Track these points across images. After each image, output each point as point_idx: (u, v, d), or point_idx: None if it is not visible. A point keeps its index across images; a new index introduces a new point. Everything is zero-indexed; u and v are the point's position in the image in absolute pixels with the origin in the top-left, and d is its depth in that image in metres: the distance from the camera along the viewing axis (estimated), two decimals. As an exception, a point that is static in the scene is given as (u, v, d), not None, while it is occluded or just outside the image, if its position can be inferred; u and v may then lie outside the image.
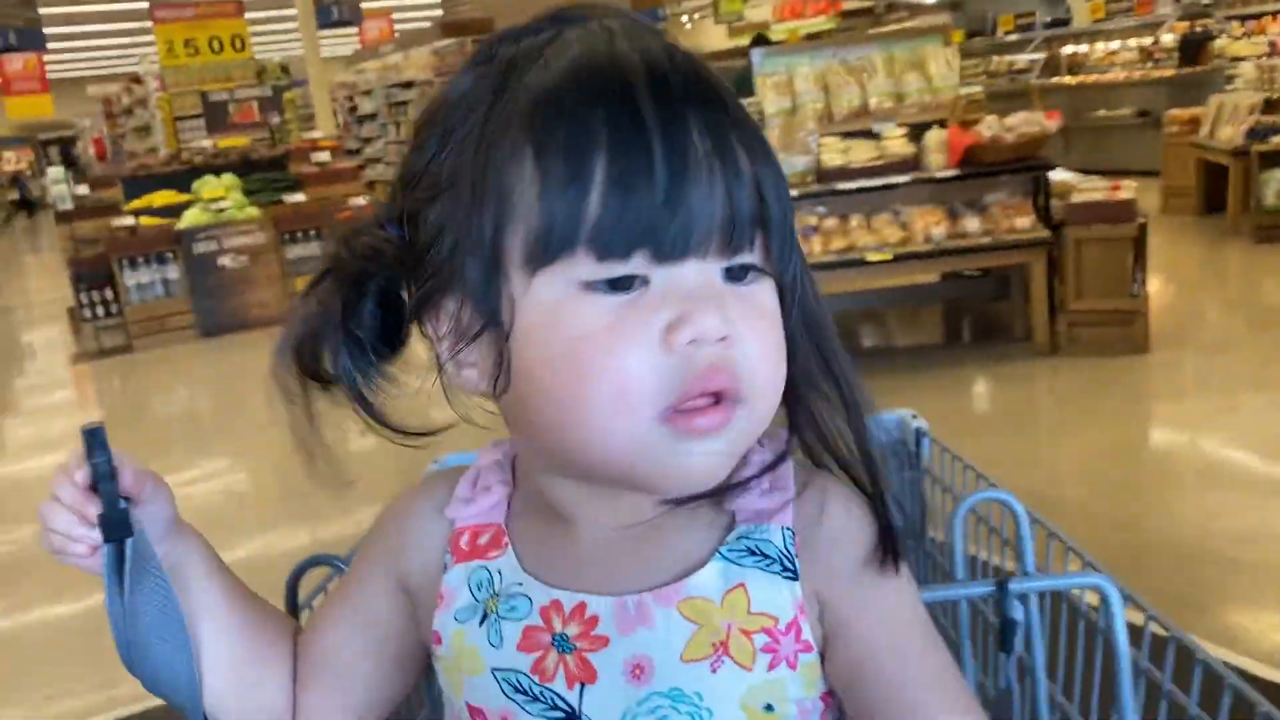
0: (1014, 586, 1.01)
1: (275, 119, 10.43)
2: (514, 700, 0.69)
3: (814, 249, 5.06)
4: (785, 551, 0.69)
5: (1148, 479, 3.80)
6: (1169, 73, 10.42)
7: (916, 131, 5.35)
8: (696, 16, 22.85)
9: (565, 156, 0.60)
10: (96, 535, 0.69)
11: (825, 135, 5.35)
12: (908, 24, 8.71)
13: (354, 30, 21.90)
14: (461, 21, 14.93)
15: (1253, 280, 6.70)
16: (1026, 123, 4.91)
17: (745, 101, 5.93)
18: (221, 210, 8.43)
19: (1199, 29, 10.42)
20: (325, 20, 13.09)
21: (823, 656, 0.70)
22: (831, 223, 5.24)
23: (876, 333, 6.26)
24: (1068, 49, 11.71)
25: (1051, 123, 4.92)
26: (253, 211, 8.57)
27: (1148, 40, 11.03)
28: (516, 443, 0.75)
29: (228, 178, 8.80)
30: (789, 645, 0.68)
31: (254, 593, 0.81)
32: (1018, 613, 1.02)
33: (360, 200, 9.36)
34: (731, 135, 0.62)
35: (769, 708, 0.68)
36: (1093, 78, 11.10)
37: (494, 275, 0.63)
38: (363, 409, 0.70)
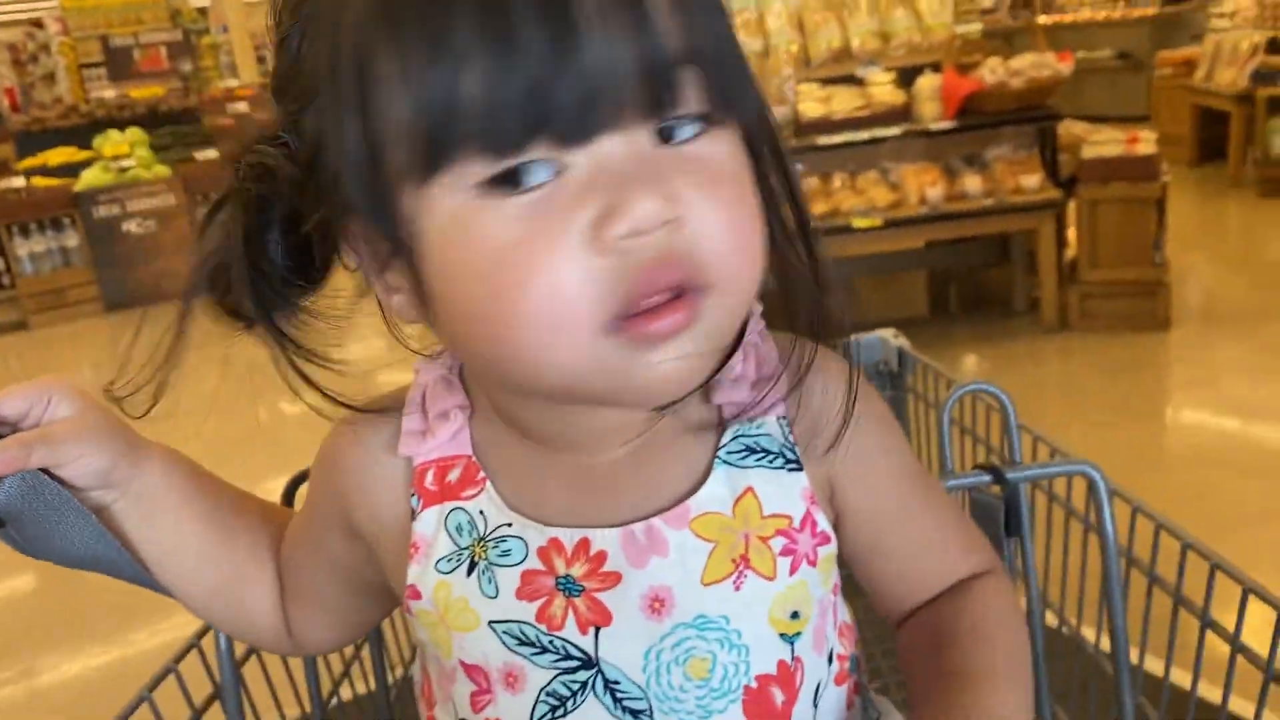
0: (1010, 475, 1.01)
1: (187, 66, 9.49)
2: (519, 654, 0.64)
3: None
4: (785, 442, 0.66)
5: (1181, 478, 3.21)
6: (1150, 11, 9.80)
7: (906, 77, 4.68)
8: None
9: (423, 28, 0.50)
10: None
11: (803, 82, 4.66)
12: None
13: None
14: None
15: (1267, 240, 6.13)
16: (1035, 66, 4.25)
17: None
18: (125, 169, 7.56)
19: (1183, -37, 9.79)
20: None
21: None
22: (812, 183, 4.57)
23: (848, 303, 5.64)
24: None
25: (1064, 66, 4.27)
26: (161, 170, 7.71)
27: (1125, -25, 10.40)
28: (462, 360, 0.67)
29: (133, 132, 7.92)
30: (806, 542, 0.66)
31: (242, 502, 0.77)
32: (1019, 497, 1.01)
33: (283, 156, 8.54)
34: None
35: (795, 615, 0.65)
36: (1068, 17, 10.47)
37: (382, 191, 0.54)
38: (286, 355, 0.63)
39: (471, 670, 0.67)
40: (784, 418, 0.67)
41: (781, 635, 0.66)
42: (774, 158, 0.62)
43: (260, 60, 19.03)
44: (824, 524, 0.67)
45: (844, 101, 4.62)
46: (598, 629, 0.64)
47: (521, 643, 0.64)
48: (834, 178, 4.61)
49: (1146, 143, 4.34)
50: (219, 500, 0.76)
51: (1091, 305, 4.40)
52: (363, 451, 0.71)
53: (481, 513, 0.66)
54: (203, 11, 11.10)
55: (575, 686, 0.64)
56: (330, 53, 0.54)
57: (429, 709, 0.73)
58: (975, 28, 4.68)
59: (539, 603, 0.64)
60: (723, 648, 0.64)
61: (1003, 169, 4.39)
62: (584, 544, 0.64)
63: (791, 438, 0.67)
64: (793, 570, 0.65)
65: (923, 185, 4.36)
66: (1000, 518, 1.01)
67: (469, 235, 0.54)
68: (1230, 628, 0.92)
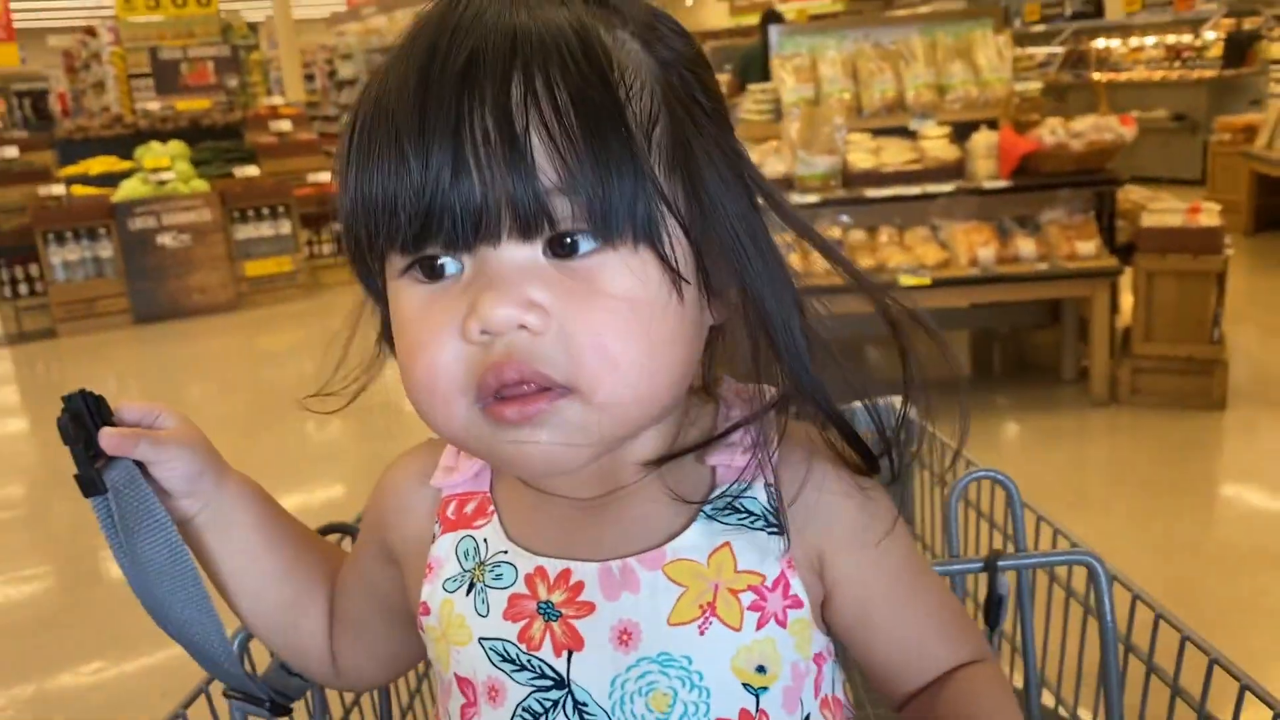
0: (1004, 563, 1.02)
1: (233, 81, 9.50)
2: (501, 669, 0.69)
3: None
4: (769, 507, 0.69)
5: (1233, 574, 3.01)
6: (1210, 74, 9.61)
7: (961, 132, 4.54)
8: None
9: (361, 154, 0.61)
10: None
11: (854, 132, 4.52)
12: (948, 5, 7.85)
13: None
14: (448, -15, 13.97)
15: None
16: (1097, 128, 4.09)
17: (762, 88, 5.12)
18: (164, 182, 7.53)
19: (1246, 27, 9.60)
20: (301, -23, 12.19)
21: (822, 609, 0.72)
22: (858, 235, 4.42)
23: (882, 360, 5.47)
24: (1099, 42, 10.90)
25: (1127, 130, 4.11)
26: (199, 185, 7.68)
27: (1187, 37, 10.22)
28: None
29: (174, 145, 7.91)
30: (777, 602, 0.68)
31: (307, 536, 0.84)
32: (1003, 589, 1.03)
33: (322, 176, 8.48)
34: (532, 111, 0.57)
35: (761, 669, 0.68)
36: (1124, 76, 10.28)
37: (360, 258, 0.66)
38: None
39: (462, 683, 0.71)
40: (771, 485, 0.69)
41: (745, 685, 0.68)
42: (742, 259, 0.65)
43: (308, 79, 19.16)
44: (798, 589, 0.69)
45: (895, 154, 4.48)
46: (570, 653, 0.68)
47: (504, 659, 0.69)
48: (881, 231, 4.46)
49: (1209, 214, 4.17)
50: (285, 530, 0.82)
51: (1143, 380, 4.22)
52: (406, 481, 0.78)
53: (485, 540, 0.72)
54: (253, 28, 11.15)
55: (548, 704, 0.68)
56: (343, 138, 0.64)
57: None
58: (1034, 85, 4.53)
59: (521, 624, 0.69)
60: (684, 686, 0.67)
61: (1057, 233, 4.23)
62: (565, 574, 0.69)
63: (776, 505, 0.69)
64: (759, 625, 0.68)
65: (974, 245, 4.20)
66: (1003, 602, 1.04)
67: (396, 306, 0.65)
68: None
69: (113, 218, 7.34)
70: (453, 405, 0.63)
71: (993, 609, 1.04)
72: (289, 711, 0.87)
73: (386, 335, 0.70)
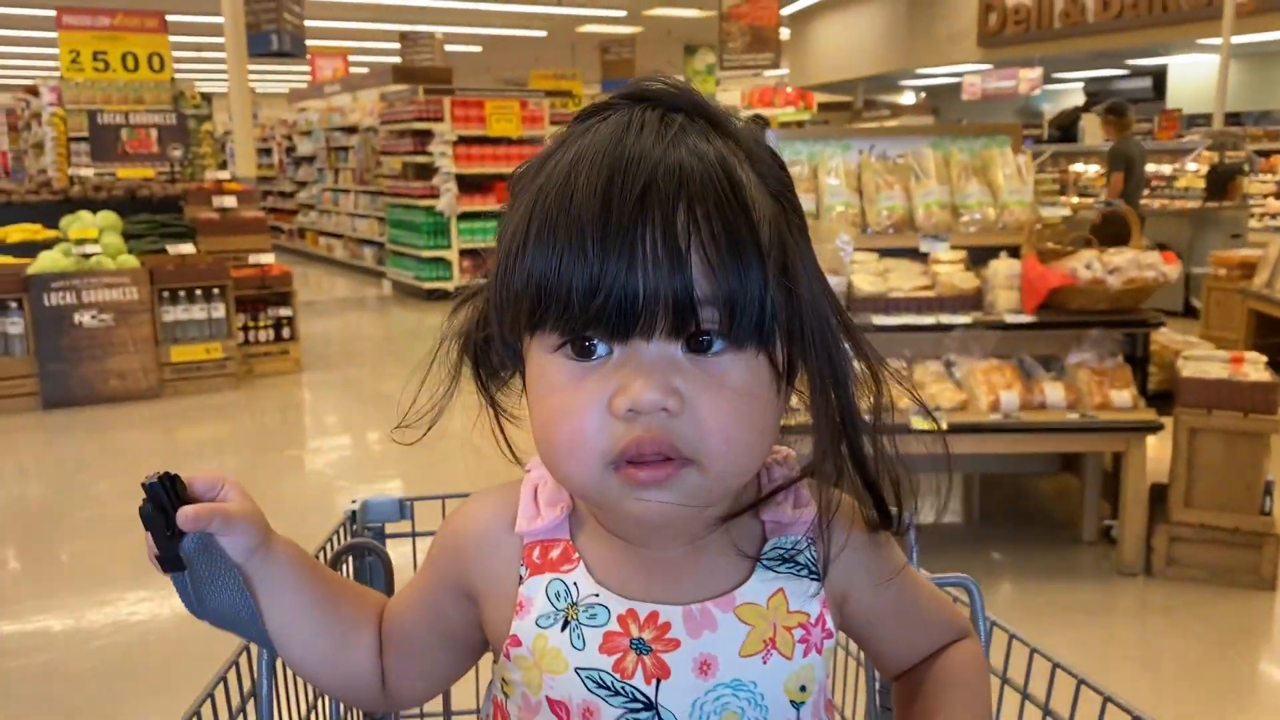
0: None
1: (177, 151, 8.92)
2: (597, 694, 0.80)
3: (838, 404, 3.70)
4: (810, 558, 0.85)
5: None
6: (1193, 205, 9.40)
7: (976, 257, 4.07)
8: (668, 92, 21.97)
9: (541, 249, 0.72)
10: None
11: (859, 250, 4.04)
12: (965, 122, 7.51)
13: (306, 66, 20.60)
14: (414, 69, 13.60)
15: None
16: (1138, 265, 3.64)
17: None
18: (88, 255, 6.88)
19: (1228, 160, 9.43)
20: (262, 48, 11.68)
21: (839, 626, 0.88)
22: (858, 368, 3.89)
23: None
24: (1077, 167, 10.71)
25: (1171, 268, 3.65)
26: (127, 260, 7.04)
27: (1167, 168, 10.04)
28: None
29: (105, 215, 7.27)
30: (818, 635, 0.84)
31: (343, 585, 0.94)
32: None
33: (265, 258, 7.86)
34: (691, 234, 0.70)
35: (803, 688, 0.83)
36: (1095, 204, 10.06)
37: (513, 333, 0.78)
38: (490, 408, 0.86)
39: (555, 705, 0.82)
40: (810, 538, 0.85)
41: (792, 702, 0.83)
42: (825, 378, 0.79)
43: (265, 153, 18.65)
44: (830, 623, 0.85)
45: (905, 278, 4.00)
46: (659, 681, 0.80)
47: (600, 686, 0.80)
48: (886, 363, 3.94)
49: (1255, 366, 3.71)
50: (328, 582, 0.92)
51: (1182, 551, 3.70)
52: (486, 527, 0.89)
53: (575, 584, 0.83)
54: (208, 98, 10.62)
55: None
56: (506, 231, 0.77)
57: None
58: (1061, 211, 4.10)
59: (616, 656, 0.81)
60: (750, 705, 0.81)
61: (1087, 378, 3.74)
62: (653, 615, 0.81)
63: (815, 556, 0.85)
64: (805, 654, 0.83)
65: (995, 387, 3.70)
66: None
67: (542, 375, 0.76)
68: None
69: (26, 291, 6.66)
70: (590, 465, 0.73)
71: None
72: None
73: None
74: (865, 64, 18.86)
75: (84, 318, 6.76)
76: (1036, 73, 15.65)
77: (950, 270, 3.98)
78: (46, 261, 6.79)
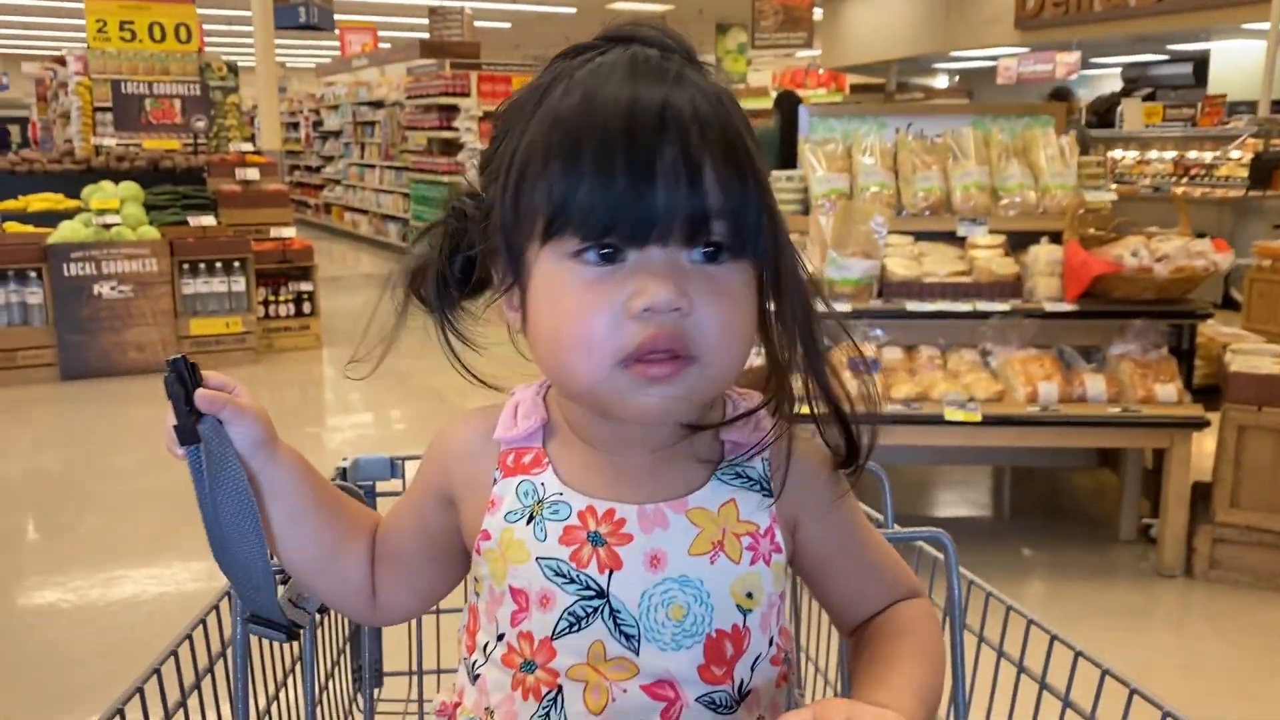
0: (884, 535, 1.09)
1: (200, 123, 8.83)
2: (553, 582, 0.87)
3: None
4: (764, 476, 0.92)
5: None
6: (1234, 194, 9.14)
7: (1015, 242, 3.91)
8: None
9: (565, 165, 0.78)
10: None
11: (893, 233, 3.88)
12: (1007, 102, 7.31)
13: (334, 40, 20.49)
14: (442, 44, 13.46)
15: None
16: (1187, 253, 3.47)
17: (789, 174, 4.48)
18: (109, 226, 6.81)
19: (1273, 148, 9.16)
20: (290, 21, 11.59)
21: (791, 558, 0.94)
22: (894, 355, 3.76)
23: (897, 493, 4.78)
24: (1115, 153, 10.46)
25: (1222, 256, 3.48)
26: (148, 232, 6.96)
27: (1208, 156, 9.79)
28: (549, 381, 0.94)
29: (127, 186, 7.19)
30: (765, 546, 0.90)
31: (341, 497, 1.00)
32: None
33: (287, 231, 7.77)
34: (704, 155, 0.78)
35: (749, 595, 0.89)
36: (1141, 189, 9.79)
37: (518, 245, 0.84)
38: (445, 335, 0.94)
39: (516, 594, 0.89)
40: (767, 460, 0.92)
41: (738, 606, 0.89)
42: (783, 299, 0.87)
43: (293, 127, 18.58)
44: (780, 538, 0.91)
45: (940, 263, 3.84)
46: (611, 571, 0.87)
47: (556, 574, 0.88)
48: (920, 352, 3.80)
49: (1309, 360, 3.54)
50: (328, 492, 0.98)
51: (1226, 553, 3.54)
52: (471, 435, 0.97)
53: (543, 484, 0.91)
54: (234, 70, 10.53)
55: (589, 610, 0.87)
56: (509, 154, 0.83)
57: (470, 637, 0.97)
58: (1107, 196, 3.93)
59: (574, 547, 0.88)
60: (696, 601, 0.87)
61: (1131, 370, 3.58)
62: (610, 512, 0.88)
63: (769, 475, 0.92)
64: (752, 561, 0.89)
65: (1034, 378, 3.55)
66: None
67: (555, 278, 0.81)
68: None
69: (46, 261, 6.60)
70: (601, 362, 0.79)
71: None
72: (298, 636, 1.01)
73: (522, 311, 0.87)
74: (899, 45, 18.55)
75: (103, 289, 6.69)
76: (1074, 57, 15.31)
77: (988, 255, 3.82)
78: (66, 231, 6.73)
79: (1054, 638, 1.09)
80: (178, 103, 8.81)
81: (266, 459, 0.92)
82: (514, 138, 0.83)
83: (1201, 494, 3.67)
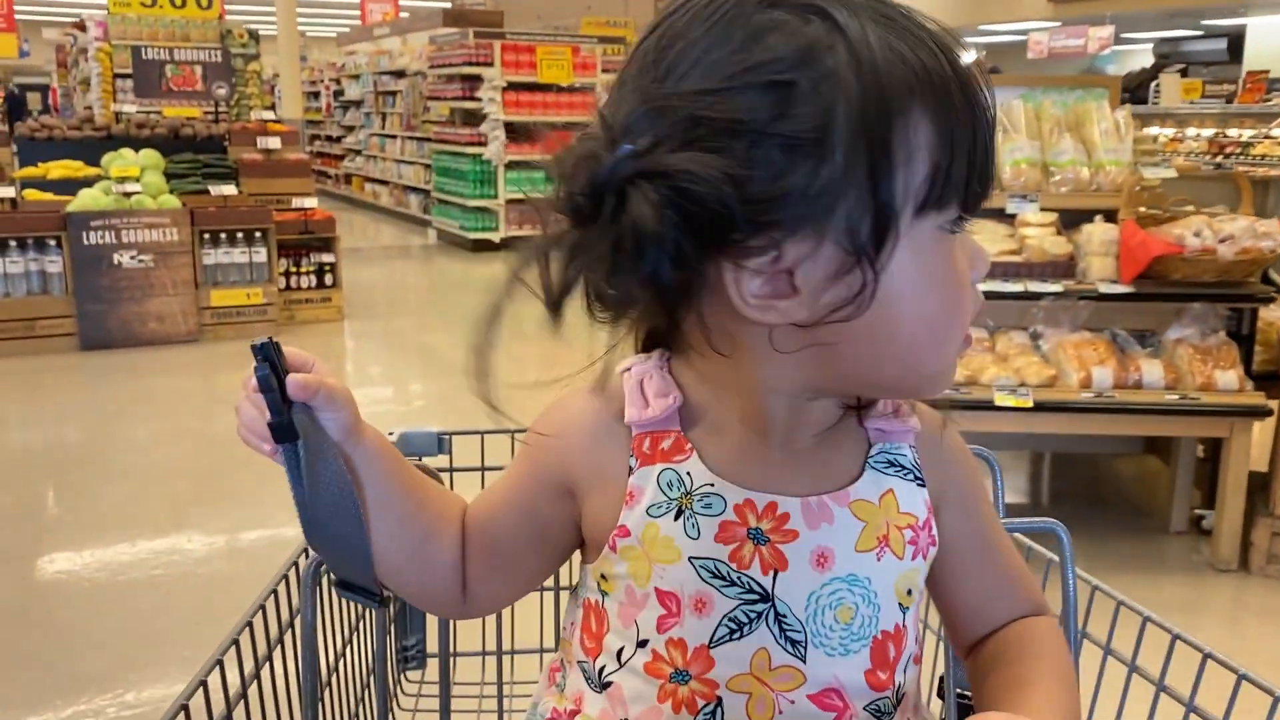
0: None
1: (221, 90, 8.71)
2: (710, 584, 0.79)
3: (914, 375, 3.42)
4: (915, 464, 0.86)
5: None
6: (1274, 172, 8.91)
7: (1067, 220, 3.76)
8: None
9: (948, 130, 0.69)
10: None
11: (940, 209, 3.73)
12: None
13: (356, 9, 20.28)
14: (464, 11, 13.28)
15: None
16: (1253, 233, 3.31)
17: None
18: (129, 194, 6.71)
19: (1318, 127, 8.92)
20: (311, -12, 11.45)
21: None
22: (938, 337, 3.61)
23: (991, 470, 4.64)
24: (1151, 130, 10.22)
25: (1290, 238, 3.32)
26: (169, 200, 6.86)
27: (1247, 133, 9.55)
28: (730, 363, 0.78)
29: (148, 154, 7.09)
30: (925, 539, 0.84)
31: (427, 482, 0.90)
32: None
33: (308, 202, 7.65)
34: None
35: (909, 592, 0.84)
36: (1262, 171, 9.43)
37: (881, 219, 0.69)
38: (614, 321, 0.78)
39: (665, 596, 0.81)
40: (914, 448, 0.86)
41: (900, 605, 0.83)
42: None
43: (314, 96, 18.43)
44: (935, 529, 0.85)
45: (990, 241, 3.69)
46: (776, 572, 0.79)
47: (714, 575, 0.79)
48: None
49: (1376, 348, 3.38)
50: (413, 476, 0.88)
51: (1284, 547, 3.40)
52: (591, 420, 0.85)
53: (689, 473, 0.81)
54: (255, 37, 10.40)
55: (752, 615, 0.79)
56: (863, 124, 0.67)
57: (591, 639, 0.86)
58: (1166, 172, 3.76)
59: (732, 546, 0.79)
60: (864, 602, 0.81)
61: (1189, 356, 3.43)
62: (772, 506, 0.80)
63: (919, 462, 0.86)
64: (914, 556, 0.83)
65: (1087, 363, 3.40)
66: None
67: (933, 257, 0.72)
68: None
69: (65, 229, 6.51)
70: (962, 337, 0.76)
71: None
72: (389, 603, 0.97)
73: (845, 298, 0.71)
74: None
75: (123, 258, 6.60)
76: (1107, 31, 15.01)
77: (1040, 234, 3.67)
78: (86, 199, 6.63)
79: (1176, 637, 1.04)
80: (198, 69, 8.71)
81: (356, 442, 0.83)
82: (833, 99, 0.67)
83: (1260, 485, 3.52)
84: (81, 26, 10.94)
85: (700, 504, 0.80)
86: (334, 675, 1.17)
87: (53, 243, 6.53)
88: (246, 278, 7.03)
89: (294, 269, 7.46)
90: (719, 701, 0.80)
